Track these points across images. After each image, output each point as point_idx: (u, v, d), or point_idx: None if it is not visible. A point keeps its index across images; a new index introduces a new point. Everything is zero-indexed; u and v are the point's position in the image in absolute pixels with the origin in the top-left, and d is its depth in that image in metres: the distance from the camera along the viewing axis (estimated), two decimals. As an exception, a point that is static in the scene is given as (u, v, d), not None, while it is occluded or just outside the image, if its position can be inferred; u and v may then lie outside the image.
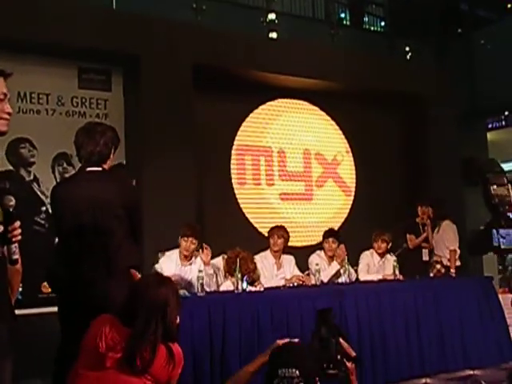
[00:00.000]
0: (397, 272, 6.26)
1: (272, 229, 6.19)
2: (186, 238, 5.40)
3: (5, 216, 2.14)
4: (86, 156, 3.48)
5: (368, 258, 6.71)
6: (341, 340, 2.09)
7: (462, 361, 5.66)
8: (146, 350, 2.49)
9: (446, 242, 7.34)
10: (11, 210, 2.16)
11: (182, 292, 4.73)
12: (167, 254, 5.52)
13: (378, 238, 6.63)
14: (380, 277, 6.42)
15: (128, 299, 2.66)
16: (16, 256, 2.19)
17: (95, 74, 7.09)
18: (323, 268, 6.12)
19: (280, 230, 6.11)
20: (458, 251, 7.24)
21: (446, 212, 7.60)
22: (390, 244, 6.72)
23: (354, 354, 2.28)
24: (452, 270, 7.05)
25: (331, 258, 6.27)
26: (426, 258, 7.41)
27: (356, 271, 6.55)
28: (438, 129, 9.48)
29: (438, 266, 7.03)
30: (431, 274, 6.99)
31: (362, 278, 6.57)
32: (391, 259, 6.56)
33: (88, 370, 2.47)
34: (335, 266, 6.20)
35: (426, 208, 7.44)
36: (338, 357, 1.84)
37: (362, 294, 5.28)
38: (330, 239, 6.33)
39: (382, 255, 6.67)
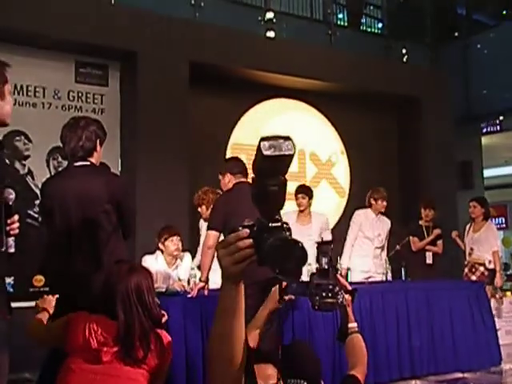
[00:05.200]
0: (389, 274, 6.28)
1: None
2: (173, 238, 5.32)
3: (4, 209, 2.13)
4: (70, 152, 3.49)
5: (361, 217, 6.78)
6: (338, 275, 2.12)
7: (452, 363, 5.68)
8: (141, 340, 2.53)
9: (490, 243, 7.06)
10: (10, 203, 2.15)
11: (172, 287, 4.74)
12: (151, 257, 5.37)
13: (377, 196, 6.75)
14: (376, 233, 6.53)
15: (104, 292, 2.69)
16: (12, 250, 2.18)
17: (92, 68, 7.07)
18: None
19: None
20: (500, 253, 7.11)
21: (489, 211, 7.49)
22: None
23: (349, 287, 2.32)
24: (498, 274, 6.87)
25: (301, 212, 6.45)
26: (429, 261, 7.32)
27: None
28: (433, 131, 9.51)
29: (482, 269, 6.94)
30: (473, 278, 6.90)
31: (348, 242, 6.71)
32: (387, 220, 6.76)
33: (82, 364, 2.49)
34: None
35: (429, 211, 7.38)
36: (336, 288, 1.85)
37: (354, 295, 5.28)
38: (300, 195, 6.47)
39: (377, 214, 6.78)
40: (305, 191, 6.50)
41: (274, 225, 1.22)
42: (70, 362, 2.54)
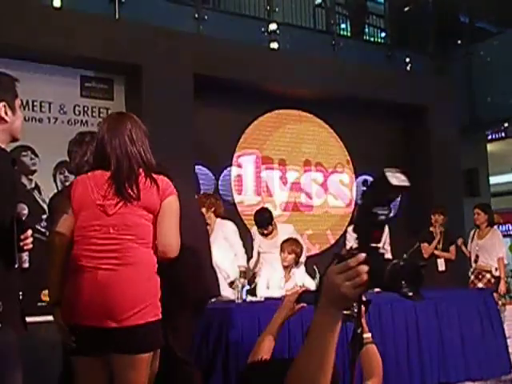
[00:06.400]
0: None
1: (283, 243, 5.83)
2: None
3: (17, 224, 2.16)
4: (75, 167, 3.52)
5: (352, 235, 6.69)
6: None
7: (463, 372, 5.64)
8: (128, 178, 2.73)
9: (496, 250, 6.99)
10: (24, 218, 2.18)
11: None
12: None
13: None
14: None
15: (98, 143, 2.86)
16: (26, 265, 2.21)
17: (97, 82, 7.13)
18: None
19: (292, 245, 5.77)
20: (506, 260, 7.06)
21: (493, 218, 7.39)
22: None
23: (364, 298, 2.33)
24: (503, 281, 6.80)
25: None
26: (441, 267, 7.29)
27: None
28: (438, 139, 9.51)
29: (488, 276, 6.87)
30: (480, 285, 6.85)
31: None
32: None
33: (94, 221, 2.70)
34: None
35: (438, 216, 7.39)
36: None
37: (362, 305, 5.26)
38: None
39: None
40: (267, 223, 6.43)
41: (373, 245, 1.28)
42: (81, 222, 2.73)
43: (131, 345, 2.62)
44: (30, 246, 2.23)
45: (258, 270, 6.46)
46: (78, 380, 2.75)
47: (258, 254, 6.54)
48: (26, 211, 2.21)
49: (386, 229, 6.37)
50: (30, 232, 2.23)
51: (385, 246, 6.80)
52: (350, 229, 6.91)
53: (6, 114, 2.37)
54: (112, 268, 2.63)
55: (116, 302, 2.59)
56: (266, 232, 6.41)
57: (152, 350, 2.70)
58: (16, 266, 2.17)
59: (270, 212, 6.63)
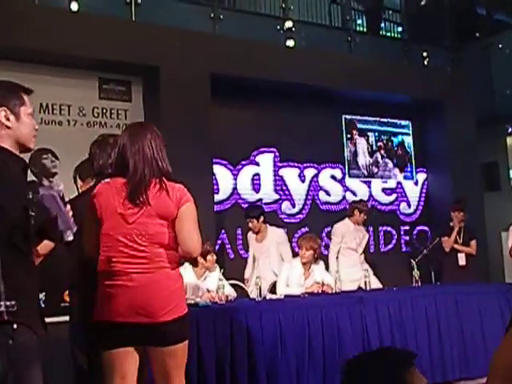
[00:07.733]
0: (417, 277, 6.23)
1: (301, 239, 5.93)
2: (210, 255, 5.36)
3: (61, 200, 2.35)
4: (98, 168, 3.53)
5: (342, 229, 6.95)
6: None
7: (484, 367, 5.60)
8: (141, 185, 2.87)
9: None
10: (61, 194, 2.29)
11: (203, 301, 4.77)
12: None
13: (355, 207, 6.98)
14: (358, 242, 6.81)
15: (119, 150, 2.99)
16: (71, 237, 2.42)
17: (115, 84, 7.19)
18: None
19: (310, 241, 5.81)
20: None
21: None
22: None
23: None
24: None
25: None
26: (462, 262, 7.28)
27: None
28: (457, 134, 9.44)
29: None
30: None
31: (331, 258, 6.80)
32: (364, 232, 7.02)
33: (116, 229, 2.87)
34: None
35: (458, 213, 7.39)
36: None
37: (382, 301, 5.27)
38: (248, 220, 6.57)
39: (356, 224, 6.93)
40: (253, 215, 6.54)
41: None
42: (107, 230, 2.88)
43: (164, 338, 2.85)
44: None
45: (250, 276, 6.50)
46: (108, 372, 2.88)
47: (254, 259, 6.59)
48: (61, 187, 2.31)
49: (366, 236, 6.58)
50: (68, 206, 2.43)
51: (361, 246, 6.95)
52: (338, 225, 7.01)
53: (7, 119, 2.36)
54: (145, 272, 2.84)
55: (151, 302, 2.81)
56: (251, 226, 6.49)
57: (183, 340, 2.91)
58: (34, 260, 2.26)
59: (261, 209, 6.75)
